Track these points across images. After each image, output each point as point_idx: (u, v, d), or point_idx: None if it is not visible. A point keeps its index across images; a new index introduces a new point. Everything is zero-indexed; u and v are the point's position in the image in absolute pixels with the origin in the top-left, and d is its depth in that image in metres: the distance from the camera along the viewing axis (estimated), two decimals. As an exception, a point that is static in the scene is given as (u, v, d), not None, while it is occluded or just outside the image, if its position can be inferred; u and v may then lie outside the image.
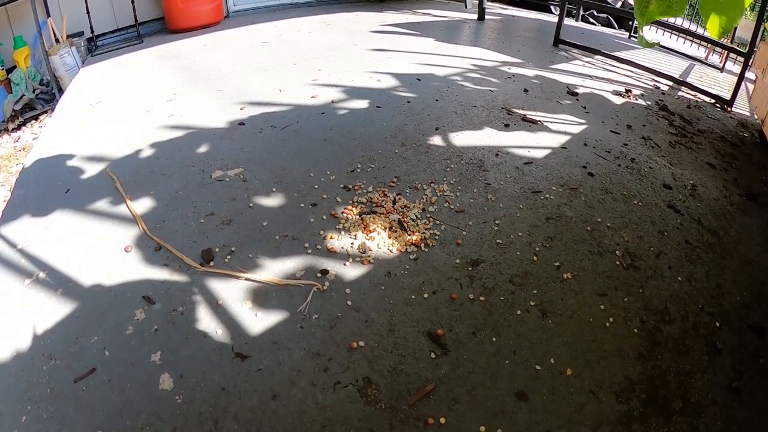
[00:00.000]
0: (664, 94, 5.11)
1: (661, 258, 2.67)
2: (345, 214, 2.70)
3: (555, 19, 6.76)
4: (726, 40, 6.73)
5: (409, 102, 4.03)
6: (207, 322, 2.10)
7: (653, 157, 3.64)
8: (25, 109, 4.90)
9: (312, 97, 4.06)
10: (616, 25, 8.39)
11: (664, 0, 1.35)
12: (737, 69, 5.87)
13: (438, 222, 2.72)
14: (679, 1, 1.35)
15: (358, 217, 2.68)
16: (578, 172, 3.27)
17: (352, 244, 2.53)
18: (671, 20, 6.81)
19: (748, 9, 7.37)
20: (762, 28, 5.05)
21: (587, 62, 5.77)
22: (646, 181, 3.28)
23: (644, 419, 1.92)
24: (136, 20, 5.83)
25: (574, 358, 2.09)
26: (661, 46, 6.94)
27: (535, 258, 2.55)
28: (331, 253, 2.47)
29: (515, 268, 2.48)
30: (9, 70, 4.87)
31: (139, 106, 3.89)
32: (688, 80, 5.60)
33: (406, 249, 2.52)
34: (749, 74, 5.29)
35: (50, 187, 2.94)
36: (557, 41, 6.22)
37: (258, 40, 5.65)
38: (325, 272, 2.35)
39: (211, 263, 2.38)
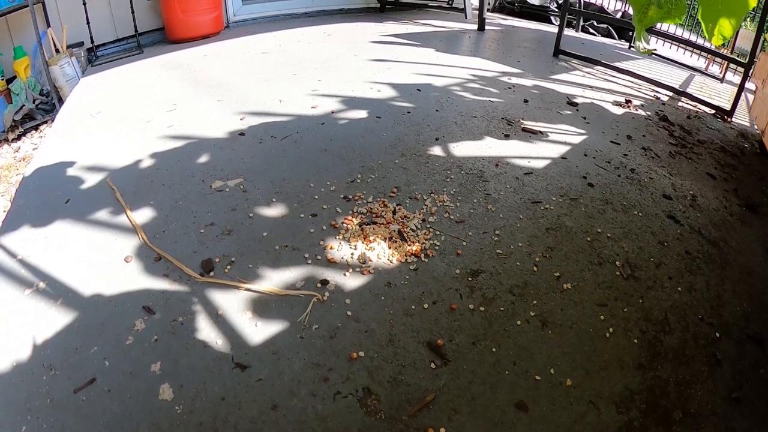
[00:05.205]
0: (664, 104, 5.12)
1: (661, 268, 2.67)
2: (345, 225, 2.70)
3: (555, 29, 6.78)
4: (726, 50, 6.75)
5: (409, 112, 4.04)
6: (207, 332, 2.10)
7: (653, 167, 3.64)
8: (25, 120, 4.90)
9: (312, 107, 4.07)
10: (616, 36, 8.41)
11: (663, 6, 1.36)
12: (737, 79, 5.88)
13: (438, 232, 2.72)
14: (677, 7, 1.36)
15: (358, 227, 2.69)
16: (578, 182, 3.28)
17: (352, 254, 2.53)
18: (671, 30, 6.83)
19: (748, 19, 7.41)
20: (762, 38, 5.06)
21: (587, 73, 5.79)
22: (646, 192, 3.29)
23: (644, 429, 1.91)
24: (136, 30, 5.84)
25: (574, 369, 2.09)
26: (661, 57, 6.96)
27: (535, 268, 2.55)
28: (331, 264, 2.47)
29: (515, 278, 2.48)
30: (9, 81, 4.87)
31: (139, 116, 3.90)
32: (688, 91, 5.61)
33: (406, 259, 2.52)
34: (749, 85, 5.30)
35: (50, 198, 2.94)
36: (557, 52, 6.24)
37: (258, 50, 5.67)
38: (325, 282, 2.36)
39: (211, 273, 2.38)
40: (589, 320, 2.31)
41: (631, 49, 7.37)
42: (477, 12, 7.24)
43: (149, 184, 3.02)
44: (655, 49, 6.98)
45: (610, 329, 2.27)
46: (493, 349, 2.12)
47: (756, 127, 4.78)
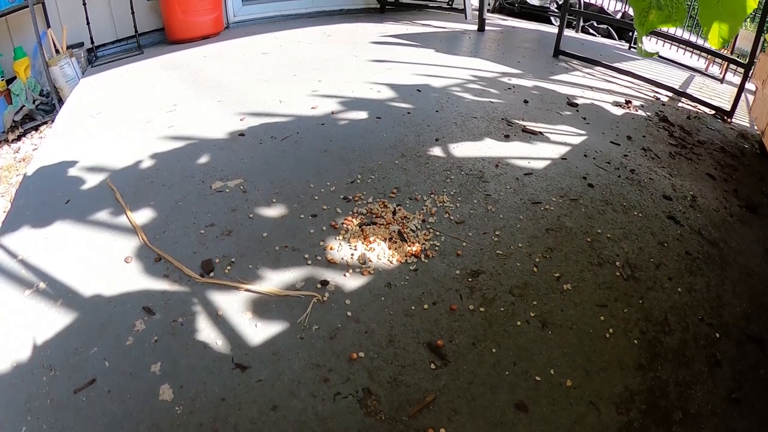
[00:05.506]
0: (664, 105, 5.12)
1: (661, 269, 2.67)
2: (345, 225, 2.70)
3: (555, 30, 6.79)
4: (726, 51, 6.75)
5: (409, 113, 4.04)
6: (207, 332, 2.10)
7: (653, 168, 3.64)
8: (25, 120, 4.90)
9: (312, 108, 4.07)
10: (616, 36, 8.42)
11: (664, 10, 1.36)
12: (737, 80, 5.88)
13: (438, 233, 2.72)
14: (678, 11, 1.35)
15: (358, 228, 2.69)
16: (578, 183, 3.28)
17: (352, 255, 2.53)
18: (671, 31, 6.83)
19: (748, 20, 7.41)
20: (762, 39, 5.06)
21: (587, 73, 5.79)
22: (646, 192, 3.29)
23: (644, 430, 1.91)
24: (136, 31, 5.84)
25: (574, 369, 2.09)
26: (662, 57, 6.96)
27: (535, 269, 2.55)
28: (331, 264, 2.47)
29: (515, 279, 2.48)
30: (9, 81, 4.87)
31: (139, 117, 3.90)
32: (688, 91, 5.61)
33: (406, 260, 2.52)
34: (749, 85, 5.30)
35: (50, 198, 2.94)
36: (557, 52, 6.24)
37: (258, 50, 5.67)
38: (325, 283, 2.35)
39: (211, 274, 2.38)
40: (589, 321, 2.31)
41: (631, 49, 7.38)
42: (477, 12, 7.25)
43: (149, 185, 3.02)
44: (658, 52, 6.98)
45: (610, 330, 2.27)
46: (493, 350, 2.12)
47: (756, 127, 4.78)
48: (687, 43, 6.83)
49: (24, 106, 4.85)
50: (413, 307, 2.28)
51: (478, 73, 5.21)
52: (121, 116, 3.95)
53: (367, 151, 3.43)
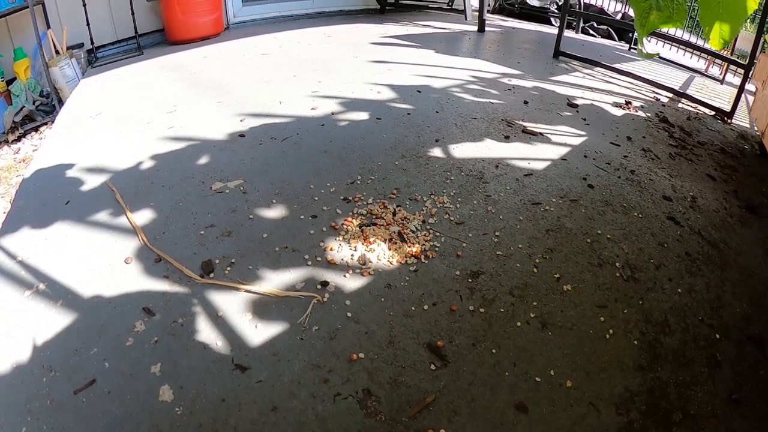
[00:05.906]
0: (664, 105, 5.12)
1: (661, 270, 2.67)
2: (345, 226, 2.70)
3: (555, 31, 6.78)
4: (726, 51, 6.75)
5: (409, 114, 4.04)
6: (207, 333, 2.10)
7: (653, 168, 3.64)
8: (25, 121, 4.89)
9: (312, 108, 4.07)
10: (616, 37, 8.42)
11: (665, 11, 1.36)
12: (737, 81, 5.87)
13: (438, 234, 2.72)
14: (679, 12, 1.35)
15: (358, 228, 2.69)
16: (578, 183, 3.28)
17: (352, 255, 2.53)
18: (671, 32, 6.83)
19: (748, 21, 7.41)
20: (762, 40, 5.05)
21: (587, 74, 5.79)
22: (646, 193, 3.29)
23: (644, 431, 1.91)
24: (136, 32, 5.84)
25: (574, 370, 2.09)
26: (662, 58, 6.95)
27: (535, 270, 2.55)
28: (331, 265, 2.47)
29: (515, 279, 2.48)
30: (9, 82, 4.86)
31: (139, 118, 3.90)
32: (688, 92, 5.61)
33: (406, 261, 2.52)
34: (749, 86, 5.30)
35: (50, 199, 2.94)
36: (557, 53, 6.24)
37: (258, 51, 5.67)
38: (325, 284, 2.35)
39: (211, 275, 2.38)
40: (589, 322, 2.31)
41: (631, 50, 7.37)
42: (477, 13, 7.24)
43: (149, 186, 3.02)
44: (659, 53, 6.98)
45: (610, 331, 2.27)
46: (493, 351, 2.12)
47: (756, 128, 4.78)
48: (687, 44, 6.82)
49: (24, 106, 4.85)
50: (413, 308, 2.28)
51: (478, 74, 5.21)
52: (121, 117, 3.95)
53: (367, 152, 3.43)
